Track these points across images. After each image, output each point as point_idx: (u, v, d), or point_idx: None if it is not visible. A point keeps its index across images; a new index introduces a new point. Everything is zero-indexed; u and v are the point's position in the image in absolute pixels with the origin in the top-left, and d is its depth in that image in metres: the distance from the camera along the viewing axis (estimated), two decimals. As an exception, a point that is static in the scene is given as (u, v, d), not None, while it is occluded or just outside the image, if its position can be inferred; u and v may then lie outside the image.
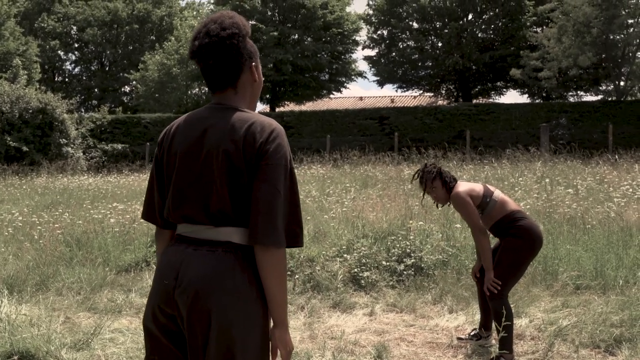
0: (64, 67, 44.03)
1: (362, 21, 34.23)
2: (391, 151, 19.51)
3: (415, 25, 33.69)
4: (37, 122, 22.42)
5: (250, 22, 29.39)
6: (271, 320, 2.09)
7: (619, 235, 7.09)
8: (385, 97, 44.79)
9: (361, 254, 6.62)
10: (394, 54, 33.94)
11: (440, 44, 33.47)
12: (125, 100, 41.89)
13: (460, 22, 32.33)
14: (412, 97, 40.10)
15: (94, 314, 5.58)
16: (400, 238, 6.93)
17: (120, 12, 40.25)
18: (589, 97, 31.72)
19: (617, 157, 14.39)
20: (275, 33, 30.52)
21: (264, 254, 1.98)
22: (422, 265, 6.48)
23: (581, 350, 4.52)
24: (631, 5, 23.07)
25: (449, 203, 4.67)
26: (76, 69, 44.13)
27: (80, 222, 8.98)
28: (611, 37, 24.15)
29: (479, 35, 32.87)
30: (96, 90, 42.22)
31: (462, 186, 4.52)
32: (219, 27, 2.09)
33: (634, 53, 24.63)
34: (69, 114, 23.93)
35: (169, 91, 31.71)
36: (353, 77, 34.61)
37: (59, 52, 41.97)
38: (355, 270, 6.39)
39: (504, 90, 35.22)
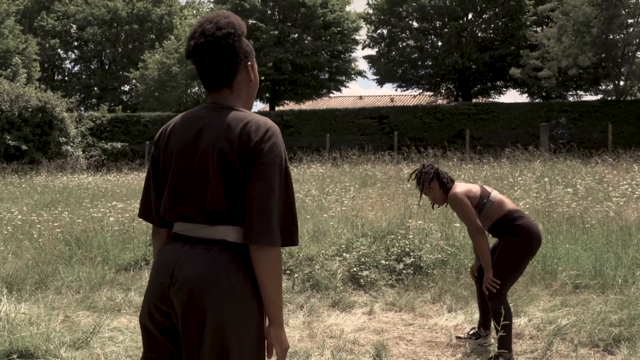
0: (63, 66, 44.02)
1: (361, 20, 34.22)
2: (391, 150, 19.52)
3: (415, 24, 33.69)
4: (37, 121, 22.43)
5: (250, 21, 29.40)
6: (267, 319, 2.09)
7: (618, 234, 7.10)
8: (385, 96, 44.81)
9: (360, 253, 6.63)
10: (393, 53, 33.94)
11: (440, 43, 33.47)
12: (125, 99, 41.89)
13: (460, 22, 32.34)
14: (411, 97, 40.11)
15: (93, 313, 5.58)
16: (399, 237, 6.94)
17: (120, 11, 40.22)
18: (589, 97, 31.86)
19: (616, 156, 14.40)
20: (275, 32, 30.51)
21: (259, 252, 1.99)
22: (421, 264, 6.49)
23: (580, 349, 4.52)
24: (631, 5, 23.07)
25: (446, 204, 4.68)
26: (76, 68, 44.15)
27: (79, 220, 8.99)
28: (611, 36, 24.16)
29: (479, 34, 32.88)
30: (96, 89, 42.21)
31: (460, 187, 4.52)
32: (215, 26, 2.10)
33: (633, 53, 24.64)
34: (68, 112, 23.94)
35: (169, 90, 31.71)
36: (353, 76, 34.61)
37: (59, 50, 41.93)
38: (355, 269, 6.39)
39: (504, 89, 35.24)
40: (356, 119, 26.43)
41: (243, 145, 2.01)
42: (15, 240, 8.02)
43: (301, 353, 4.48)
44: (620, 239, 6.90)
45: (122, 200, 11.03)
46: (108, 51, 41.98)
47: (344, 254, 6.70)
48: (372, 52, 35.19)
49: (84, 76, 43.41)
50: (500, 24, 32.28)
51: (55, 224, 8.66)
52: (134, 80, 36.16)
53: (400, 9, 33.07)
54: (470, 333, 4.86)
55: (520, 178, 11.43)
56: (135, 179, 16.06)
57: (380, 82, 35.52)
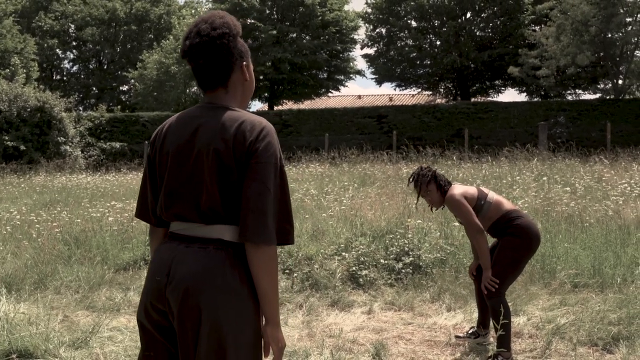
0: (62, 66, 43.97)
1: (360, 19, 34.23)
2: (389, 150, 19.52)
3: (413, 23, 33.72)
4: (35, 121, 22.42)
5: (248, 20, 29.33)
6: (263, 318, 2.10)
7: (616, 233, 7.11)
8: (384, 95, 44.84)
9: (359, 252, 6.63)
10: (392, 52, 33.95)
11: (438, 43, 33.50)
12: (124, 99, 41.85)
13: (459, 21, 32.35)
14: (410, 96, 40.12)
15: (92, 313, 5.58)
16: (398, 236, 6.94)
17: (118, 11, 40.17)
18: (587, 96, 31.84)
19: (615, 155, 14.41)
20: (274, 32, 30.51)
21: (255, 251, 1.99)
22: (420, 263, 6.49)
23: (579, 348, 4.52)
24: (629, 4, 23.07)
25: (443, 206, 4.69)
26: (74, 68, 44.10)
27: (78, 220, 8.99)
28: (609, 35, 24.17)
29: (477, 33, 32.90)
30: (94, 88, 42.16)
31: (457, 188, 4.53)
32: (210, 26, 2.11)
33: (632, 51, 24.66)
34: (67, 112, 23.93)
35: (167, 90, 31.69)
36: (351, 75, 34.62)
37: (57, 50, 41.88)
38: (354, 268, 6.40)
39: (503, 88, 35.26)
40: (355, 118, 26.43)
41: (238, 144, 2.02)
42: (14, 240, 8.02)
43: (300, 352, 4.48)
44: (619, 238, 6.91)
45: (121, 200, 11.03)
46: (106, 51, 41.93)
47: (343, 254, 6.70)
48: (370, 51, 35.23)
49: (82, 76, 43.36)
50: (498, 23, 32.30)
51: (54, 224, 8.66)
52: (132, 80, 36.13)
53: (399, 8, 33.08)
54: (469, 332, 4.87)
55: (519, 177, 11.44)
56: (134, 179, 16.05)
57: (379, 82, 35.55)
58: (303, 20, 32.01)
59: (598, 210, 8.27)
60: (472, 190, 4.57)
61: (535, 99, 32.23)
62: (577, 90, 31.33)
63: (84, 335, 4.66)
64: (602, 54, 24.72)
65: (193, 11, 43.21)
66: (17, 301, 5.68)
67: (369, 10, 34.31)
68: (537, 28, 29.93)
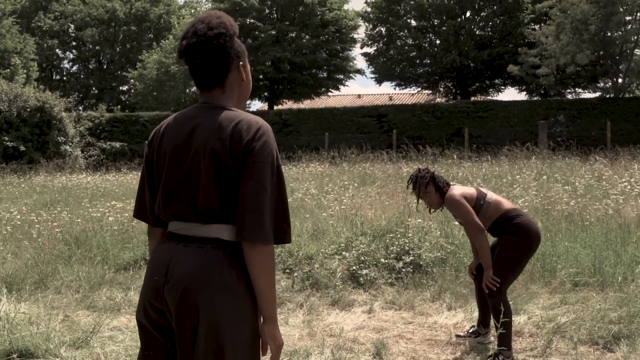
0: (61, 66, 43.94)
1: (360, 18, 34.23)
2: (389, 149, 19.51)
3: (413, 22, 33.71)
4: (35, 121, 22.41)
5: (247, 20, 29.28)
6: (261, 317, 2.11)
7: (617, 232, 7.11)
8: (384, 94, 44.84)
9: (360, 251, 6.63)
10: (392, 51, 33.94)
11: (438, 42, 33.50)
12: (124, 99, 41.82)
13: (458, 20, 32.35)
14: (410, 95, 40.13)
15: (92, 312, 5.58)
16: (398, 235, 6.94)
17: (118, 12, 40.15)
18: (587, 94, 31.73)
19: (615, 154, 14.41)
20: (273, 32, 30.50)
21: (252, 250, 2.00)
22: (421, 262, 6.49)
23: (579, 347, 4.53)
24: (629, 2, 23.06)
25: (441, 208, 4.69)
26: (74, 68, 44.07)
27: (78, 220, 8.99)
28: (609, 34, 24.16)
29: (477, 32, 32.90)
30: (94, 88, 42.14)
31: (456, 189, 4.54)
32: (206, 26, 2.12)
33: (631, 50, 24.66)
34: (67, 112, 23.92)
35: (167, 89, 31.68)
36: (351, 74, 34.61)
37: (57, 50, 41.86)
38: (354, 267, 6.40)
39: (502, 87, 35.26)
40: (355, 117, 26.43)
41: (235, 144, 2.03)
42: (15, 240, 8.02)
43: (301, 352, 4.48)
44: (620, 237, 6.91)
45: (121, 200, 11.03)
46: (106, 51, 41.91)
47: (344, 253, 6.71)
48: (370, 50, 35.21)
49: (82, 76, 43.33)
50: (498, 21, 32.30)
51: (54, 224, 8.66)
52: (132, 80, 36.11)
53: (399, 7, 33.08)
54: (470, 331, 4.87)
55: (519, 176, 11.44)
56: (134, 179, 16.05)
57: (379, 81, 35.56)
58: (303, 20, 32.01)
59: (598, 209, 8.26)
60: (471, 190, 4.58)
61: (535, 98, 32.23)
62: (577, 89, 31.33)
63: (84, 335, 4.67)
64: (601, 52, 24.71)
65: (193, 11, 43.20)
66: (18, 301, 5.68)
67: (369, 9, 34.31)
68: (536, 27, 29.93)
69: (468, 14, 32.90)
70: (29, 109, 22.36)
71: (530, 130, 23.43)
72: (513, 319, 4.61)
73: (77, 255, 7.26)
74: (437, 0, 32.21)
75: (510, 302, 4.82)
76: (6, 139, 21.61)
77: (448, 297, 5.82)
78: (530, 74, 27.21)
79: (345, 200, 9.68)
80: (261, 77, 31.69)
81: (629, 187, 9.61)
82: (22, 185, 15.51)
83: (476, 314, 5.06)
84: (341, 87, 35.03)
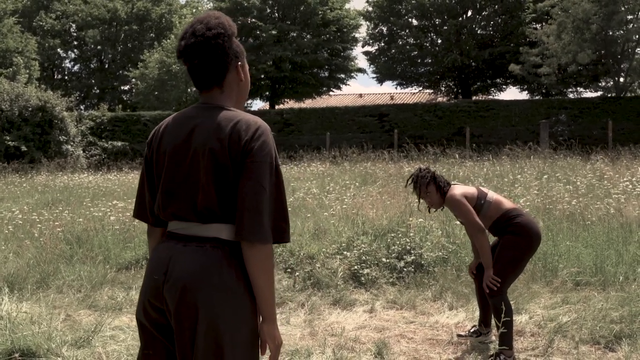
0: (63, 65, 43.97)
1: (361, 17, 34.22)
2: (391, 148, 19.51)
3: (414, 22, 33.69)
4: (37, 120, 22.42)
5: (249, 19, 29.24)
6: (260, 316, 2.12)
7: (618, 231, 7.10)
8: (385, 94, 44.80)
9: (361, 251, 6.63)
10: (393, 50, 33.93)
11: (439, 41, 33.48)
12: (125, 98, 41.83)
13: (460, 19, 32.33)
14: (411, 94, 40.11)
15: (94, 312, 5.59)
16: (400, 235, 6.94)
17: (119, 12, 40.16)
18: (589, 94, 31.69)
19: (616, 153, 14.40)
20: (275, 31, 30.50)
21: (251, 250, 2.01)
22: (422, 262, 6.49)
23: (581, 346, 4.53)
24: (630, 1, 23.03)
25: (442, 207, 4.70)
26: (75, 67, 44.08)
27: (80, 220, 9.00)
28: (610, 33, 24.13)
29: (478, 32, 32.88)
30: (96, 88, 42.16)
31: (457, 189, 4.54)
32: (205, 27, 2.13)
33: (633, 49, 24.62)
34: (68, 111, 23.93)
35: (169, 89, 31.68)
36: (352, 74, 34.59)
37: (58, 50, 41.88)
38: (356, 267, 6.40)
39: (504, 86, 35.22)
40: (356, 117, 26.42)
41: (233, 144, 2.04)
42: (17, 239, 8.03)
43: (302, 351, 4.49)
44: (621, 236, 6.90)
45: (122, 199, 11.03)
46: (108, 50, 41.91)
47: (345, 252, 6.71)
48: (371, 49, 35.20)
49: (83, 75, 43.36)
50: (499, 21, 32.27)
51: (56, 223, 8.67)
52: (133, 80, 36.12)
53: (400, 7, 33.06)
54: (471, 331, 4.87)
55: (520, 175, 11.44)
56: (135, 178, 16.05)
57: (380, 80, 35.53)
58: (304, 19, 32.00)
59: (600, 208, 8.26)
60: (471, 190, 4.58)
61: (537, 97, 32.20)
62: (578, 88, 31.29)
63: (86, 335, 4.67)
64: (603, 51, 24.68)
65: (194, 10, 43.20)
66: (20, 300, 5.69)
67: (370, 8, 34.29)
68: (538, 26, 29.90)
69: (469, 13, 32.88)
70: (30, 109, 22.37)
71: (531, 129, 23.42)
72: (514, 318, 4.61)
73: (78, 254, 7.26)
74: (438, 0, 32.19)
75: (512, 302, 4.83)
76: (8, 138, 21.63)
77: (449, 297, 5.82)
78: (531, 73, 27.18)
79: (346, 200, 9.68)
80: (262, 76, 31.69)
81: (630, 186, 9.60)
82: (24, 185, 15.52)
83: (477, 313, 5.07)
84: (342, 86, 35.05)
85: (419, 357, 4.50)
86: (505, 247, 4.39)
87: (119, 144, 26.04)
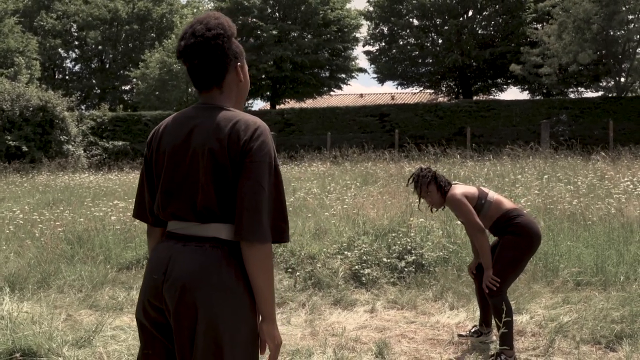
0: (64, 65, 43.98)
1: (362, 17, 34.21)
2: (391, 148, 19.51)
3: (415, 22, 33.68)
4: (38, 120, 22.43)
5: (249, 19, 29.21)
6: (259, 315, 2.12)
7: (619, 231, 7.10)
8: (386, 94, 44.79)
9: (362, 251, 6.63)
10: (394, 50, 33.93)
11: (440, 41, 33.47)
12: (126, 98, 41.85)
13: (460, 19, 32.31)
14: (412, 94, 40.10)
15: (95, 312, 5.59)
16: (401, 235, 6.94)
17: (120, 12, 40.17)
18: (590, 94, 31.67)
19: (617, 153, 14.39)
20: (275, 31, 30.50)
21: (250, 249, 2.02)
22: (423, 262, 6.49)
23: (582, 346, 4.52)
24: (631, 1, 23.02)
25: (443, 207, 4.70)
26: (76, 67, 44.10)
27: (81, 219, 9.00)
28: (611, 33, 24.12)
29: (479, 32, 32.86)
30: (96, 88, 42.18)
31: (458, 188, 4.55)
32: (205, 27, 2.14)
33: (634, 49, 24.61)
34: (69, 111, 23.95)
35: (170, 89, 31.69)
36: (353, 74, 34.59)
37: (59, 50, 41.89)
38: (356, 267, 6.40)
39: (505, 86, 35.22)
40: (357, 117, 26.43)
41: (232, 144, 2.04)
42: (17, 239, 8.03)
43: (303, 351, 4.49)
44: (622, 236, 6.90)
45: (123, 199, 11.04)
46: (109, 50, 41.93)
47: (346, 252, 6.71)
48: (372, 49, 35.21)
49: (84, 75, 43.38)
50: (500, 21, 32.25)
51: (57, 223, 8.67)
52: (134, 79, 36.14)
53: (401, 7, 33.06)
54: (472, 330, 4.87)
55: (521, 175, 11.43)
56: (136, 178, 16.05)
57: (381, 80, 35.52)
58: (305, 19, 32.01)
59: (600, 208, 8.25)
60: (472, 189, 4.58)
61: (538, 97, 32.19)
62: (579, 88, 31.27)
63: (87, 334, 4.67)
64: (604, 51, 24.67)
65: (195, 10, 43.20)
66: (21, 300, 5.69)
67: (371, 8, 34.28)
68: (539, 26, 29.89)
69: (470, 13, 32.87)
70: (31, 109, 22.38)
71: (532, 129, 23.41)
72: (515, 318, 4.61)
73: (79, 254, 7.27)
74: (439, 0, 32.18)
75: (513, 302, 4.83)
76: (9, 138, 21.64)
77: (450, 297, 5.82)
78: (532, 73, 27.17)
79: (347, 200, 9.68)
80: (263, 76, 31.69)
81: (631, 186, 9.60)
82: (25, 185, 15.53)
83: (478, 313, 5.07)
84: (343, 86, 35.05)
85: (420, 357, 4.50)
86: (506, 247, 4.39)
87: (120, 143, 26.07)
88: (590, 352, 4.46)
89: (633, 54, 24.58)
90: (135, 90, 37.50)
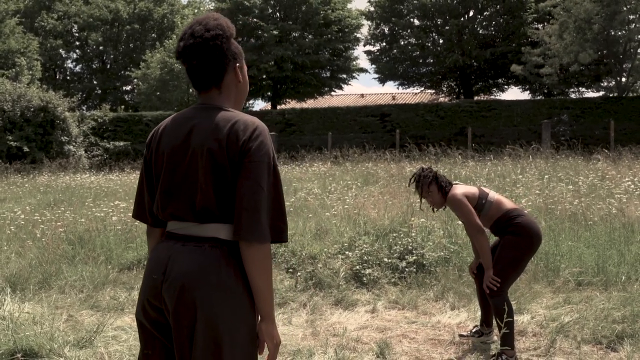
0: (65, 66, 44.02)
1: (363, 17, 34.21)
2: (392, 148, 19.52)
3: (416, 22, 33.67)
4: (39, 121, 22.45)
5: (250, 19, 29.19)
6: (258, 315, 2.13)
7: (620, 231, 7.09)
8: (387, 94, 44.77)
9: (363, 251, 6.63)
10: (395, 50, 33.92)
11: (441, 41, 33.45)
12: (127, 99, 41.88)
13: (461, 19, 32.30)
14: (413, 94, 40.09)
15: (96, 312, 5.59)
16: (402, 235, 6.94)
17: (121, 12, 40.20)
18: (591, 94, 31.66)
19: (618, 153, 14.38)
20: (276, 31, 30.50)
21: (249, 249, 2.02)
22: (424, 262, 6.49)
23: (583, 346, 4.52)
24: (632, 1, 23.01)
25: (444, 207, 4.70)
26: (77, 68, 44.13)
27: (82, 220, 9.00)
28: (612, 33, 24.11)
29: (480, 32, 32.85)
30: (97, 88, 42.20)
31: (458, 188, 4.55)
32: (203, 28, 2.15)
33: (635, 49, 24.60)
34: (70, 112, 23.96)
35: (171, 89, 31.71)
36: (354, 74, 34.58)
37: (60, 50, 41.92)
38: (357, 267, 6.40)
39: (505, 87, 35.20)
40: (358, 117, 26.43)
41: (231, 144, 2.05)
42: (19, 239, 8.04)
43: (304, 351, 4.49)
44: (623, 236, 6.90)
45: (124, 200, 11.04)
46: (110, 51, 41.95)
47: (347, 252, 6.71)
48: (373, 49, 35.21)
49: (85, 76, 43.41)
50: (501, 21, 32.24)
51: (58, 224, 8.67)
52: (135, 80, 36.17)
53: (402, 7, 33.05)
54: (473, 331, 4.87)
55: (522, 175, 11.43)
56: (137, 178, 16.03)
57: (382, 80, 35.51)
58: (305, 19, 32.00)
59: (602, 208, 8.25)
60: (473, 189, 4.59)
61: (539, 97, 32.17)
62: (580, 88, 31.26)
63: (88, 335, 4.68)
64: (605, 51, 24.66)
65: (196, 10, 43.24)
66: (22, 301, 5.70)
67: (372, 8, 34.28)
68: (540, 26, 29.87)
69: (471, 13, 32.85)
70: (32, 109, 22.40)
71: (533, 129, 23.40)
72: (516, 318, 4.61)
73: (80, 255, 7.27)
74: (440, 0, 32.18)
75: (514, 302, 4.83)
76: (10, 138, 21.65)
77: (451, 297, 5.82)
78: (533, 73, 27.15)
79: (348, 200, 9.68)
80: (264, 76, 31.69)
81: (632, 186, 9.60)
82: (26, 185, 15.54)
83: (479, 313, 5.06)
84: (344, 86, 35.04)
85: (421, 357, 4.50)
86: (506, 248, 4.39)
87: (121, 144, 26.09)
88: (592, 352, 4.46)
89: (634, 54, 24.57)
90: (136, 91, 37.53)
